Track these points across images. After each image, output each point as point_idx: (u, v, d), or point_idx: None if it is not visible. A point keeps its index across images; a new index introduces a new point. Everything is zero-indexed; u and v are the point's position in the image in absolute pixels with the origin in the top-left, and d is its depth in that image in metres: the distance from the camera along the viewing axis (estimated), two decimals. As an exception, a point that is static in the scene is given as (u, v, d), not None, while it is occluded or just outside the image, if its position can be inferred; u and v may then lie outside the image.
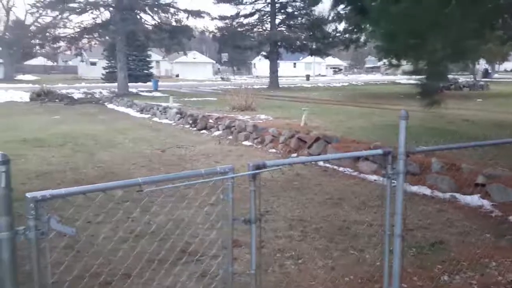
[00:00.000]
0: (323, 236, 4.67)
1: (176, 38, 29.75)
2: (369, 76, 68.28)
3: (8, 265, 1.84)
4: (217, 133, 12.65)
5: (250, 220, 2.69)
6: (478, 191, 6.03)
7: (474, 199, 5.89)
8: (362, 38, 22.54)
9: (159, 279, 3.48)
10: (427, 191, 6.40)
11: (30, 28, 48.19)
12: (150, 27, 30.04)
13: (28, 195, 1.86)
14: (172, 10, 29.53)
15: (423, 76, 6.29)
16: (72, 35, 29.33)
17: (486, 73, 49.96)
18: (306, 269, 3.94)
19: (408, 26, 5.44)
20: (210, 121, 13.54)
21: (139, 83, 38.76)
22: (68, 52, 37.99)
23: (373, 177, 7.23)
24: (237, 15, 34.83)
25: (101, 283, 3.01)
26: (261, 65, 65.02)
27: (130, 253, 3.54)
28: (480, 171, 6.26)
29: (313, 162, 7.72)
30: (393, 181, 3.06)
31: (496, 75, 55.66)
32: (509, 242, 4.53)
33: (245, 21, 35.62)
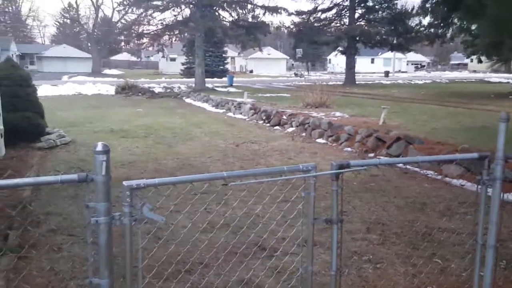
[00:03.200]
0: (403, 242, 4.45)
1: (252, 34, 30.06)
2: (454, 73, 64.18)
3: (104, 248, 1.94)
4: (290, 129, 12.61)
5: (332, 221, 2.62)
6: None
7: None
8: (449, 33, 21.11)
9: (237, 271, 3.53)
10: (521, 200, 5.85)
11: (117, 25, 51.66)
12: (228, 24, 30.67)
13: (125, 183, 1.96)
14: (249, 6, 29.90)
15: None
16: (155, 32, 30.81)
17: None
18: (386, 274, 3.77)
19: None
20: (284, 117, 13.53)
21: (215, 79, 39.88)
22: (151, 48, 40.07)
23: (458, 182, 6.77)
24: (315, 10, 34.34)
25: (186, 270, 3.11)
26: (337, 60, 63.77)
27: (210, 244, 3.64)
28: None
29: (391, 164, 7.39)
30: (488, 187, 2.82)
31: None
32: None
33: (323, 16, 35.01)
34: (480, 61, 23.52)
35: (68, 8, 71.02)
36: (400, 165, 7.64)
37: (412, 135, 8.87)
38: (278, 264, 3.69)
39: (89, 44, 66.88)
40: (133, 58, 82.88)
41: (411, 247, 4.31)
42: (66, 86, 29.35)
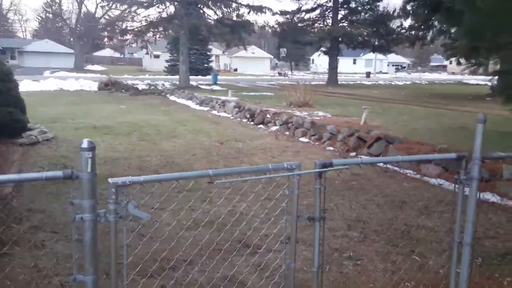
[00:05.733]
0: (383, 239, 4.56)
1: (237, 32, 30.02)
2: (433, 75, 65.27)
3: (89, 245, 1.96)
4: (274, 128, 12.68)
5: (314, 218, 2.68)
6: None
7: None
8: (430, 35, 21.53)
9: (221, 268, 3.57)
10: (496, 198, 6.04)
11: (100, 21, 50.95)
12: (212, 22, 30.57)
13: (110, 180, 1.98)
14: (234, 5, 29.86)
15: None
16: (139, 29, 30.50)
17: None
18: (365, 271, 3.86)
19: (500, 21, 4.98)
20: (268, 116, 13.60)
21: (199, 76, 39.70)
22: (134, 45, 39.66)
23: (437, 181, 6.94)
24: (299, 10, 34.56)
25: (170, 267, 3.13)
26: (320, 61, 64.20)
27: (194, 241, 3.67)
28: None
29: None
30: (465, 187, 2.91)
31: None
32: None
33: (306, 16, 35.28)
34: (459, 63, 24.09)
35: (50, 2, 69.62)
36: (381, 164, 7.78)
37: (392, 135, 9.04)
38: (261, 261, 3.74)
39: (71, 40, 65.75)
40: (116, 54, 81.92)
41: (391, 244, 4.42)
42: (48, 81, 28.81)
